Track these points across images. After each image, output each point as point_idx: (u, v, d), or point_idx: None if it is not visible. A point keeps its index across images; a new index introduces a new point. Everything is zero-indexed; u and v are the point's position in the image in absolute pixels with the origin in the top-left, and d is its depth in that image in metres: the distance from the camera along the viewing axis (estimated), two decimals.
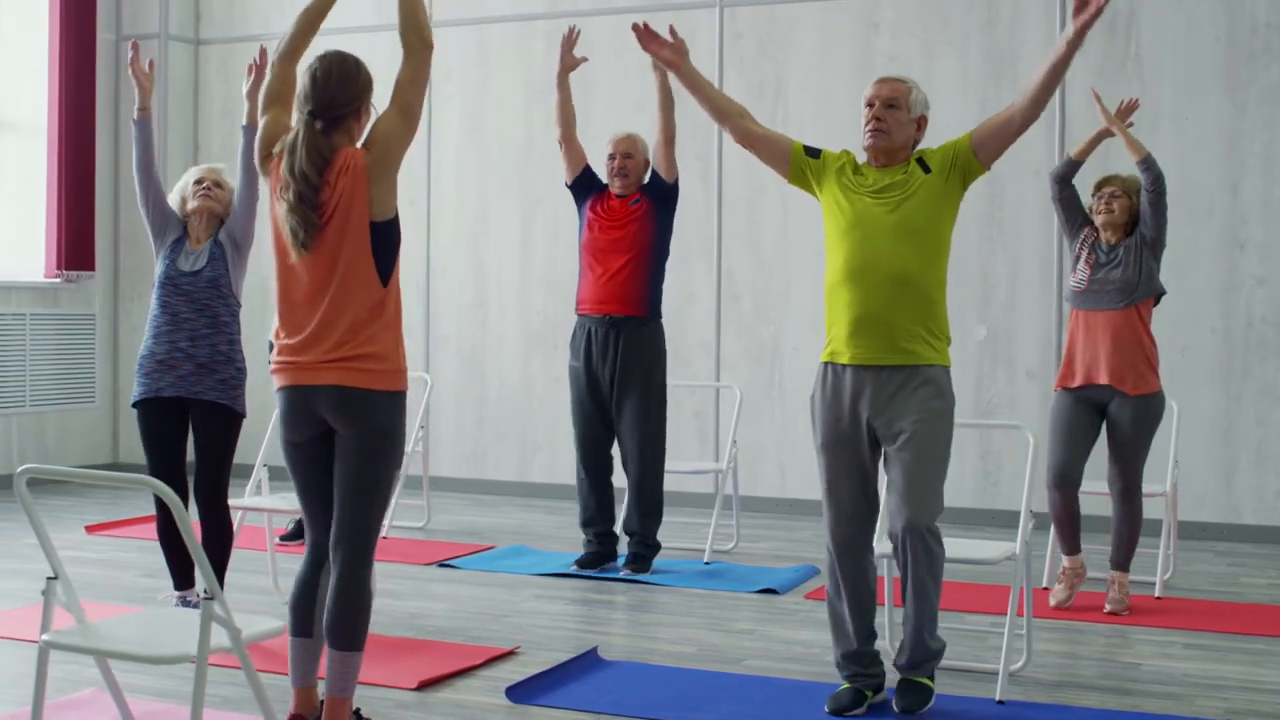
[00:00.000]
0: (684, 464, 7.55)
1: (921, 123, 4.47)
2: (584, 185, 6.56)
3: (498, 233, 9.12)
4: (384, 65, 9.56)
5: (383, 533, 7.28)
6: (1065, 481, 5.88)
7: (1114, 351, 5.75)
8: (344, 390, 3.69)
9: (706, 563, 6.75)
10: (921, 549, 4.31)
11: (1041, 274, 7.88)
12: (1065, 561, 5.95)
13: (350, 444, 3.72)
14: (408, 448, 7.63)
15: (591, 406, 6.49)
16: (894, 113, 4.40)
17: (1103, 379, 5.77)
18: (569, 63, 6.55)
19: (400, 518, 7.80)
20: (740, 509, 7.90)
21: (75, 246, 9.20)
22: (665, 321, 8.52)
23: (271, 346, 3.92)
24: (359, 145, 3.79)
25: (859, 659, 4.45)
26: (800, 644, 5.25)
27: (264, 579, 6.06)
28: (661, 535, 7.17)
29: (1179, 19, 7.64)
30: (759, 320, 8.47)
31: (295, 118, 3.76)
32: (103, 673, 3.57)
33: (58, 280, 9.20)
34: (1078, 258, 5.94)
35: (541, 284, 8.97)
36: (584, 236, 6.53)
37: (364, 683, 4.58)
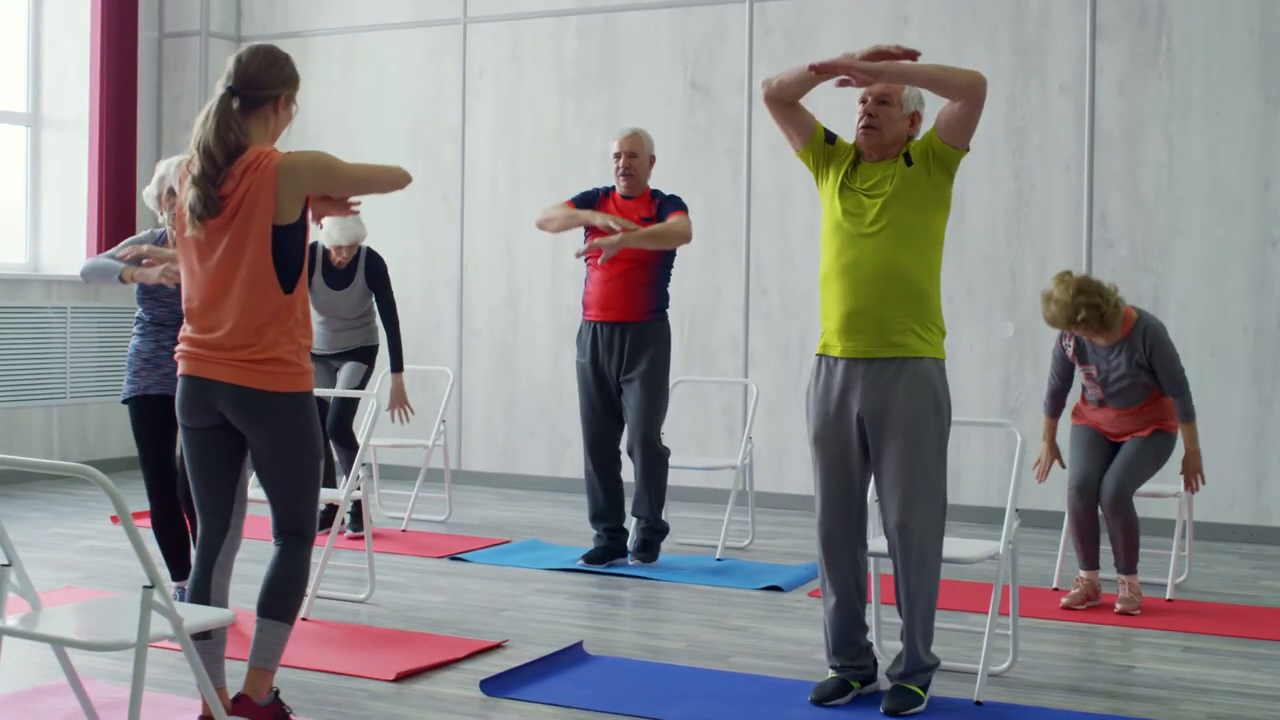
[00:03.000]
0: (700, 460, 7.50)
1: (915, 119, 4.44)
2: (586, 206, 6.55)
3: (529, 229, 9.11)
4: (419, 62, 9.68)
5: (402, 525, 7.44)
6: (1086, 488, 5.80)
7: (1133, 422, 5.87)
8: (244, 390, 3.72)
9: (718, 559, 6.72)
10: (912, 551, 4.28)
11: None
12: (1082, 572, 5.86)
13: (263, 451, 3.78)
14: (428, 441, 7.68)
15: (599, 402, 6.50)
16: (886, 109, 4.38)
17: (1125, 438, 5.91)
18: (596, 228, 6.37)
19: (422, 511, 7.84)
20: (767, 505, 7.90)
21: (116, 241, 9.26)
22: (694, 317, 8.56)
23: None
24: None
25: (847, 650, 4.46)
26: (792, 642, 5.21)
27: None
28: (678, 531, 7.18)
29: (1211, 11, 7.49)
30: (787, 315, 8.42)
31: (209, 111, 3.75)
32: (59, 658, 3.61)
33: None
34: (1071, 366, 5.93)
35: (572, 280, 8.97)
36: (589, 238, 6.52)
37: (341, 673, 4.64)
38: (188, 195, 3.69)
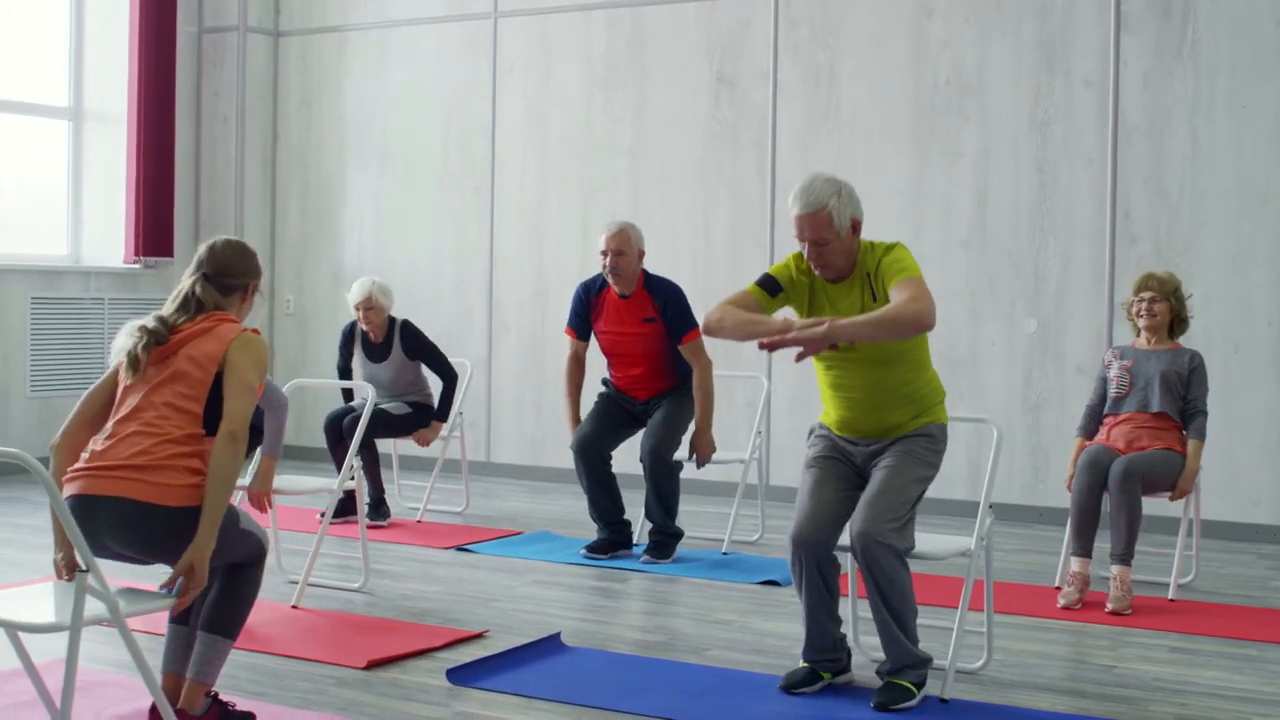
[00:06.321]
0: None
1: (856, 227, 4.41)
2: (581, 323, 6.71)
3: (558, 222, 9.16)
4: (451, 56, 9.73)
5: (418, 516, 7.50)
6: (1095, 465, 5.79)
7: (1146, 441, 5.88)
8: (132, 506, 3.49)
9: (724, 553, 6.72)
10: (874, 559, 4.22)
11: (1093, 266, 7.66)
12: (1074, 564, 5.81)
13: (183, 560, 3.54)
14: (444, 432, 7.70)
15: (605, 417, 6.60)
16: (827, 248, 4.37)
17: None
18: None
19: (439, 502, 7.89)
20: (787, 500, 7.84)
21: (154, 233, 9.50)
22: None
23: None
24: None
25: (820, 645, 4.47)
26: (773, 636, 5.19)
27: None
28: (692, 525, 7.18)
29: (1236, 3, 7.35)
30: None
31: (183, 284, 3.86)
32: (11, 641, 3.68)
33: (137, 266, 9.50)
34: (1108, 368, 6.04)
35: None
36: (596, 336, 6.66)
37: (313, 659, 4.68)
38: (128, 343, 3.71)
